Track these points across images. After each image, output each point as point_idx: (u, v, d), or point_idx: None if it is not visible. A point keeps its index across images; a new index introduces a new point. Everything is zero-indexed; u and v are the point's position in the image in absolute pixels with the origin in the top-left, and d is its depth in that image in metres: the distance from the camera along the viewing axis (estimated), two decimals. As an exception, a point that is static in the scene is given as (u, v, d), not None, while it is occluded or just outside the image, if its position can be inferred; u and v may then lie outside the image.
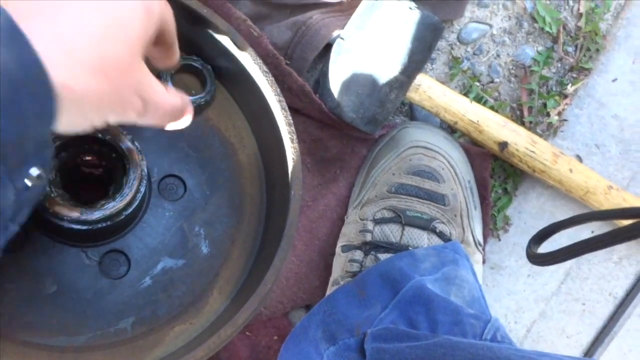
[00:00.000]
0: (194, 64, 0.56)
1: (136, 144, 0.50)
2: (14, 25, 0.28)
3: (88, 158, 0.52)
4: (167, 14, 0.41)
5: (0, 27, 0.27)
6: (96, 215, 0.48)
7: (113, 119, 0.36)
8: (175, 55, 0.45)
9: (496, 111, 0.64)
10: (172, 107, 0.41)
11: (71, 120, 0.33)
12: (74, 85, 0.31)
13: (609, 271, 0.66)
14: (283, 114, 0.52)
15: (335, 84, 0.57)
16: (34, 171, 0.31)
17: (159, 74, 0.53)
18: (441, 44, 0.64)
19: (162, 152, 0.56)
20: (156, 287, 0.53)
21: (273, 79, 0.52)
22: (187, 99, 0.44)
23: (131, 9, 0.35)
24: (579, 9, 0.64)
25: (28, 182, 0.30)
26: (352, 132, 0.60)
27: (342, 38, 0.57)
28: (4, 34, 0.27)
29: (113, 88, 0.34)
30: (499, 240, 0.66)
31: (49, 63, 0.29)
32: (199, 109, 0.57)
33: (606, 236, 0.38)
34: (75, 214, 0.47)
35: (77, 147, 0.50)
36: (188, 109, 0.44)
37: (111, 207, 0.48)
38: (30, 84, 0.28)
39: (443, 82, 0.65)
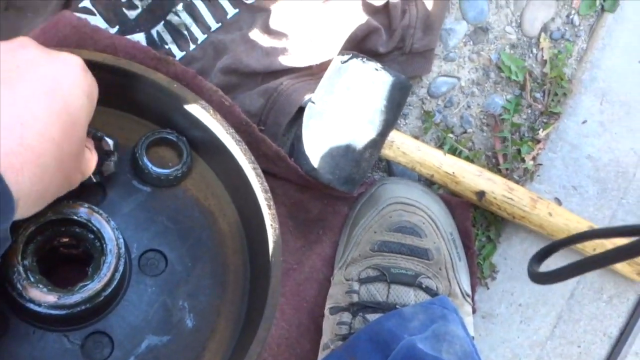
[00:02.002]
0: (168, 136, 0.57)
1: (112, 222, 0.49)
2: None
3: (65, 240, 0.51)
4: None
5: None
6: (74, 298, 0.47)
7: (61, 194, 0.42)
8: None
9: (472, 161, 0.64)
10: (95, 162, 0.48)
11: (30, 212, 0.39)
12: (39, 187, 0.37)
13: (600, 311, 0.66)
14: (259, 181, 0.52)
15: (309, 147, 0.57)
16: None
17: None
18: (412, 99, 0.66)
19: (141, 227, 0.56)
20: (141, 367, 0.51)
21: (247, 147, 0.52)
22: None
23: (79, 104, 0.40)
24: (542, 56, 0.66)
25: None
26: (331, 192, 0.61)
27: (313, 102, 0.58)
28: None
29: (66, 177, 0.40)
30: (488, 288, 0.66)
31: (19, 171, 0.34)
32: (176, 181, 0.57)
33: (610, 253, 0.38)
34: (52, 298, 0.46)
35: (54, 230, 0.50)
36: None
37: (90, 289, 0.47)
38: None
39: (417, 136, 0.66)
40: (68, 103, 0.39)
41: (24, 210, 0.37)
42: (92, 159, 0.47)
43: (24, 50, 0.40)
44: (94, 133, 0.51)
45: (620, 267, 0.64)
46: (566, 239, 0.45)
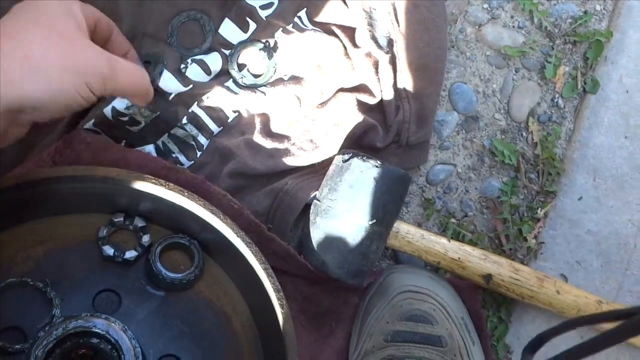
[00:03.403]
0: (180, 241, 0.59)
1: (129, 332, 0.50)
2: None
3: (82, 351, 0.52)
4: (94, 11, 0.53)
5: None
6: (94, 412, 0.47)
7: (87, 84, 0.47)
8: (125, 43, 0.59)
9: (475, 244, 0.66)
10: (136, 70, 0.53)
11: (43, 85, 0.45)
12: (32, 55, 0.44)
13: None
14: (270, 281, 0.53)
15: (317, 244, 0.59)
16: None
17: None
18: (412, 187, 0.68)
19: (156, 333, 0.57)
20: None
21: (257, 248, 0.54)
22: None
23: (58, 14, 0.48)
24: (533, 139, 0.70)
25: None
26: (341, 284, 0.62)
27: (318, 200, 0.60)
28: None
29: (73, 52, 0.47)
30: (504, 370, 0.66)
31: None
32: (189, 284, 0.58)
33: (601, 337, 0.38)
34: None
35: (72, 343, 0.50)
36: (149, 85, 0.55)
37: (109, 401, 0.47)
38: None
39: (420, 223, 0.68)
40: (50, 17, 0.47)
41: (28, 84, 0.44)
42: (129, 64, 0.52)
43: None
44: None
45: (635, 339, 0.64)
46: (558, 327, 0.46)
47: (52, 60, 0.45)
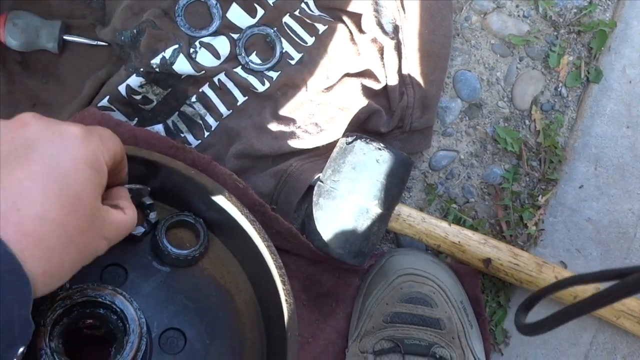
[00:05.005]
0: (186, 219, 0.60)
1: (134, 303, 0.52)
2: None
3: (89, 321, 0.53)
4: (115, 151, 0.44)
5: None
6: (99, 380, 0.48)
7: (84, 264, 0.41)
8: (125, 173, 0.51)
9: (476, 229, 0.67)
10: (133, 221, 0.47)
11: (53, 287, 0.38)
12: (49, 270, 0.36)
13: (617, 373, 0.66)
14: (273, 258, 0.54)
15: (320, 224, 0.60)
16: (20, 349, 0.34)
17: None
18: (415, 173, 0.69)
19: (161, 307, 0.58)
20: None
21: (260, 226, 0.55)
22: (132, 206, 0.49)
23: (79, 178, 0.38)
24: (535, 127, 0.70)
25: None
26: (342, 265, 0.63)
27: (321, 181, 0.61)
28: None
29: (82, 250, 0.39)
30: (502, 354, 0.67)
31: (22, 256, 0.34)
32: (194, 261, 0.60)
33: (592, 298, 0.39)
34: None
35: (79, 312, 0.52)
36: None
37: (114, 369, 0.49)
38: (7, 277, 0.33)
39: (422, 208, 0.69)
40: (68, 179, 0.38)
41: (37, 292, 0.36)
42: (125, 219, 0.45)
43: (23, 129, 0.39)
44: (130, 189, 0.53)
45: (631, 326, 0.65)
46: (550, 286, 0.46)
47: (63, 269, 0.38)
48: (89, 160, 0.40)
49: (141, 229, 0.59)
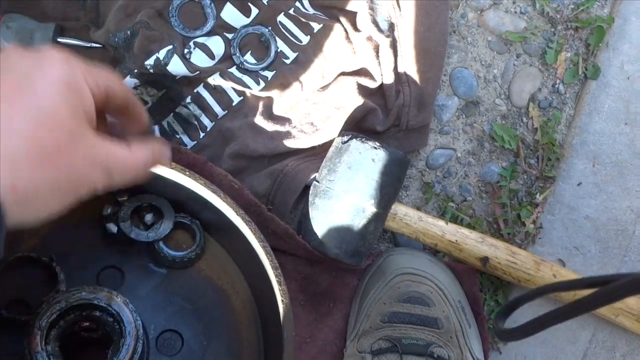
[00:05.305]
0: (182, 220, 0.60)
1: (130, 305, 0.51)
2: None
3: (86, 324, 0.54)
4: (105, 80, 0.41)
5: None
6: (96, 382, 0.48)
7: (80, 196, 0.38)
8: (142, 118, 0.46)
9: (473, 228, 0.67)
10: (141, 163, 0.42)
11: (33, 214, 0.36)
12: (19, 184, 0.34)
13: (616, 370, 0.66)
14: (269, 259, 0.54)
15: (316, 224, 0.60)
16: None
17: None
18: (412, 171, 0.69)
19: (158, 308, 0.58)
20: None
21: (256, 227, 0.55)
22: (156, 144, 0.44)
23: (51, 93, 0.37)
24: (533, 124, 0.70)
25: None
26: (339, 264, 0.63)
27: (317, 181, 0.61)
28: None
29: (63, 171, 0.37)
30: (500, 353, 0.66)
31: None
32: (190, 262, 0.60)
33: (572, 306, 0.39)
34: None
35: (75, 315, 0.52)
36: (162, 151, 0.45)
37: (109, 372, 0.49)
38: None
39: (419, 207, 0.69)
40: (38, 93, 0.36)
41: (11, 212, 0.34)
42: (129, 157, 0.41)
43: (4, 56, 0.38)
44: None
45: (630, 324, 0.64)
46: (530, 293, 0.46)
47: (38, 188, 0.36)
48: (65, 81, 0.38)
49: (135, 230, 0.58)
